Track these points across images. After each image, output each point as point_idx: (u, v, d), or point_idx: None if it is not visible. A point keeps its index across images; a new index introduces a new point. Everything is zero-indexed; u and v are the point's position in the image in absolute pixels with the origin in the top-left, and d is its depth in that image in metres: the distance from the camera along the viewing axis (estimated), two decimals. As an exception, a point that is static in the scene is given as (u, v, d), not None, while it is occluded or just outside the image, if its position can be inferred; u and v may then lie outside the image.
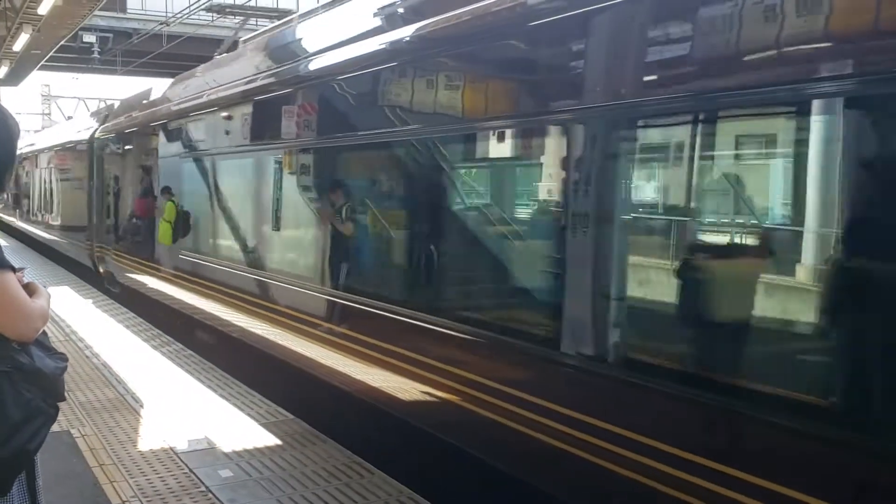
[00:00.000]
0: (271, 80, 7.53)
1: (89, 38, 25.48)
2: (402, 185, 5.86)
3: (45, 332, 2.54)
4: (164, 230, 10.15)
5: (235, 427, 6.18)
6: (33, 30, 16.87)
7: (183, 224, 9.76)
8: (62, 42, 20.26)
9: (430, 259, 5.16)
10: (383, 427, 5.77)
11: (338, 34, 6.55)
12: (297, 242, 7.44)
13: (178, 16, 22.82)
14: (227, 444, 5.75)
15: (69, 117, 36.71)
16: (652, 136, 4.03)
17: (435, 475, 5.28)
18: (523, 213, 5.24)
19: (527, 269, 4.88)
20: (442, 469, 5.26)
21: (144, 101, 12.18)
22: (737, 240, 3.81)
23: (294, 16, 9.81)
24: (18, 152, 2.66)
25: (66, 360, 2.56)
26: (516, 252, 5.09)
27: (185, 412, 6.57)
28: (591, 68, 4.08)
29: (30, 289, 2.53)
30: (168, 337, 9.79)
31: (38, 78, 45.76)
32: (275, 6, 24.63)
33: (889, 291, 2.87)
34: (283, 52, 7.93)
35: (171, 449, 5.67)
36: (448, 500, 5.01)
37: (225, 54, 10.90)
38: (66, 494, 4.82)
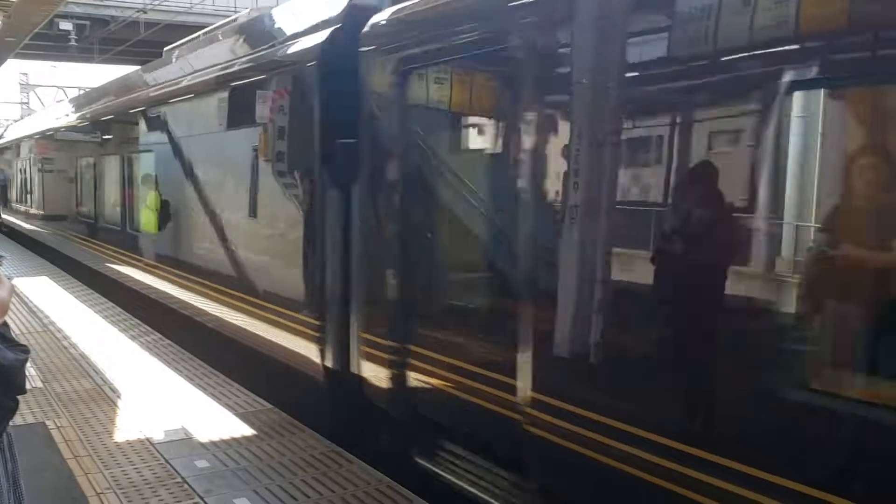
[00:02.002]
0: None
1: (66, 25, 25.10)
2: None
3: (6, 324, 2.49)
4: None
5: (213, 417, 6.14)
6: (5, 16, 16.60)
7: None
8: (37, 29, 19.96)
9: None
10: None
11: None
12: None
13: (156, 3, 22.54)
14: (204, 435, 5.71)
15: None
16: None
17: None
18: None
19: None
20: None
21: None
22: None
23: None
24: None
25: (28, 352, 2.51)
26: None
27: (163, 403, 6.52)
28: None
29: None
30: (147, 327, 9.72)
31: (15, 66, 45.18)
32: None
33: None
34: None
35: (148, 440, 5.62)
36: None
37: None
38: (40, 487, 4.76)
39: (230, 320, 7.38)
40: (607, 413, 3.50)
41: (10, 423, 2.50)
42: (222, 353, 7.71)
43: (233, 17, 9.53)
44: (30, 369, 7.18)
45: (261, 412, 6.30)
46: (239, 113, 7.25)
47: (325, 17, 5.99)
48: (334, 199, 5.59)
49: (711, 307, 3.20)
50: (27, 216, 19.41)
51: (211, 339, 7.97)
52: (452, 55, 4.55)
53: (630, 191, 3.52)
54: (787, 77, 2.86)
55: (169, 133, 9.41)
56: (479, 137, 4.87)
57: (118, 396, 6.72)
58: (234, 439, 5.64)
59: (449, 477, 4.62)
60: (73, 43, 26.34)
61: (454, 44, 4.47)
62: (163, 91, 9.67)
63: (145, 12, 23.12)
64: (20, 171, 20.32)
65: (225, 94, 7.53)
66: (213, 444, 5.55)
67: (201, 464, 5.16)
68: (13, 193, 22.17)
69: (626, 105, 3.54)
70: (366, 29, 5.31)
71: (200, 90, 8.28)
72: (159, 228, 9.63)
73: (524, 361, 3.89)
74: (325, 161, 5.63)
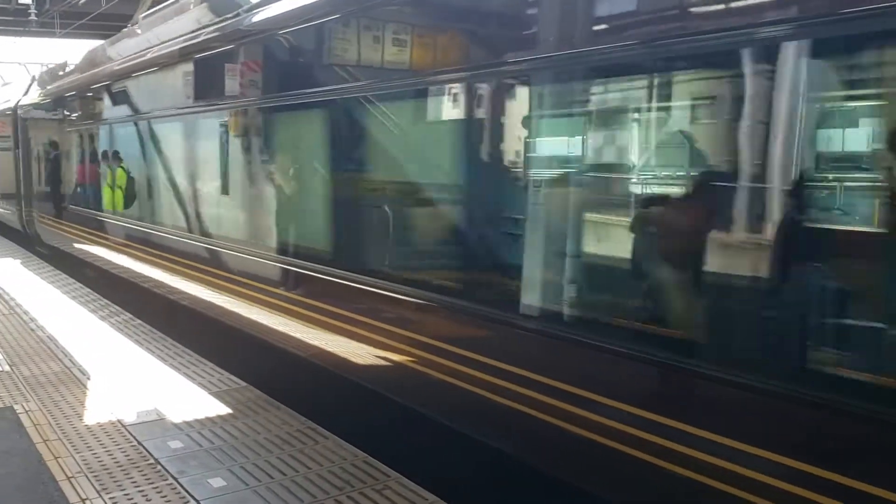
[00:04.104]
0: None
1: (25, -1, 24.41)
2: None
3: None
4: None
5: (186, 397, 6.06)
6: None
7: None
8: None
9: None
10: None
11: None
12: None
13: (118, -26, 21.93)
14: (177, 415, 5.63)
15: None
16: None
17: None
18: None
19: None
20: None
21: None
22: None
23: None
24: None
25: None
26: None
27: (134, 383, 6.42)
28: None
29: None
30: (116, 307, 9.56)
31: (-27, 43, 43.87)
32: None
33: None
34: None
35: (119, 421, 5.52)
36: None
37: None
38: (8, 473, 4.67)
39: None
40: None
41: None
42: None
43: None
44: (-5, 353, 7.06)
45: (235, 390, 6.23)
46: None
47: None
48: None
49: None
50: None
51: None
52: None
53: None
54: None
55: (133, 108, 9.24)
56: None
57: (88, 378, 6.60)
58: (208, 419, 5.56)
59: None
60: (33, 18, 25.62)
61: None
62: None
63: (106, -16, 22.48)
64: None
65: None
66: (187, 424, 5.47)
67: (175, 444, 5.09)
68: None
69: None
70: None
71: None
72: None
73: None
74: None
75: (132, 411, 5.72)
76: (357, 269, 5.34)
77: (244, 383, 6.42)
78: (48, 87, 13.99)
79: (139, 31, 9.76)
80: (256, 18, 6.48)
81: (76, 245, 12.09)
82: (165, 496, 4.33)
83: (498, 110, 4.30)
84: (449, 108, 4.69)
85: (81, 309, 9.47)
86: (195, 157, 8.04)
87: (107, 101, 10.41)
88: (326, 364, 5.73)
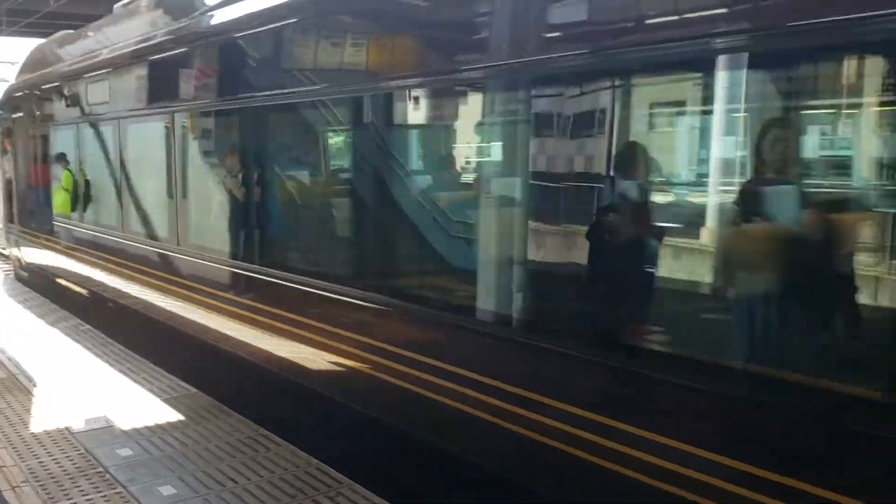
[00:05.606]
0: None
1: (-31, -5, 23.78)
2: None
3: None
4: None
5: (136, 404, 5.99)
6: None
7: None
8: (-62, 0, 18.85)
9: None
10: None
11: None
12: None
13: (67, -28, 21.51)
14: (127, 422, 5.57)
15: None
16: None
17: None
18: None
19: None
20: None
21: None
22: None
23: None
24: None
25: None
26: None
27: (83, 390, 6.32)
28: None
29: None
30: (65, 312, 9.40)
31: (-85, 39, 42.56)
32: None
33: None
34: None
35: (67, 429, 5.44)
36: None
37: None
38: (-49, 483, 4.58)
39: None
40: None
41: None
42: None
43: None
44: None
45: (186, 397, 6.18)
46: None
47: None
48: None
49: None
50: None
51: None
52: None
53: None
54: None
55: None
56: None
57: (34, 385, 6.48)
58: (158, 426, 5.52)
59: None
60: (-22, 15, 24.99)
61: None
62: None
63: (55, -18, 22.05)
64: None
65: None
66: (137, 431, 5.41)
67: (124, 452, 5.03)
68: None
69: None
70: None
71: None
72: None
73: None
74: None
75: (80, 419, 5.64)
76: None
77: (195, 389, 6.37)
78: None
79: None
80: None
81: None
82: (114, 505, 4.30)
83: None
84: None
85: (29, 314, 9.28)
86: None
87: None
88: None
